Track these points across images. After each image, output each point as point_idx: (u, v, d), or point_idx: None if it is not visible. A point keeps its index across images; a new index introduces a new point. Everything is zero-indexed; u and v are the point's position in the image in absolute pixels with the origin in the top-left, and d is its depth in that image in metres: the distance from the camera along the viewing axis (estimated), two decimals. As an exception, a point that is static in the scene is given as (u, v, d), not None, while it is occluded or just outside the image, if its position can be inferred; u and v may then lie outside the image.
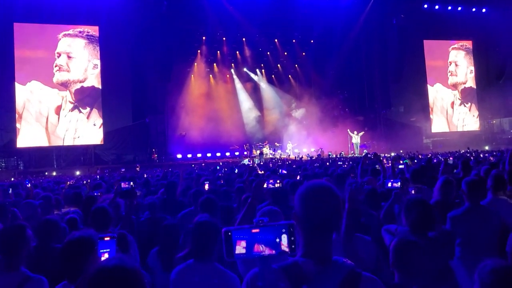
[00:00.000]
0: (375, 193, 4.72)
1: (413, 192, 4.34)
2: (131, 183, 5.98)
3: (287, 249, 1.55)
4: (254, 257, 1.55)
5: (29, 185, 8.77)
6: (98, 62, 24.97)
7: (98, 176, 14.22)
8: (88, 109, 24.78)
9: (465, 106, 32.23)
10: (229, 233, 1.56)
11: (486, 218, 3.87)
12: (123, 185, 5.83)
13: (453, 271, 3.02)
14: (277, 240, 1.55)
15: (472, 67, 32.64)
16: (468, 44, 32.51)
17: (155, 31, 24.32)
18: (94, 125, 24.84)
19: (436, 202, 4.32)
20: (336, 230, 2.99)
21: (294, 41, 29.23)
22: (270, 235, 1.55)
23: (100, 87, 24.96)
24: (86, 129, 24.60)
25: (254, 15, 24.77)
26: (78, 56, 24.66)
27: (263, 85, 31.25)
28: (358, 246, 3.04)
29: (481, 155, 14.46)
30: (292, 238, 1.56)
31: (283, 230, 1.56)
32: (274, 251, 1.55)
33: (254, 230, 1.56)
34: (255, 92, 31.00)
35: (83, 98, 24.70)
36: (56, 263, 2.44)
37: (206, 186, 6.43)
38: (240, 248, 1.55)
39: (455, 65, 32.10)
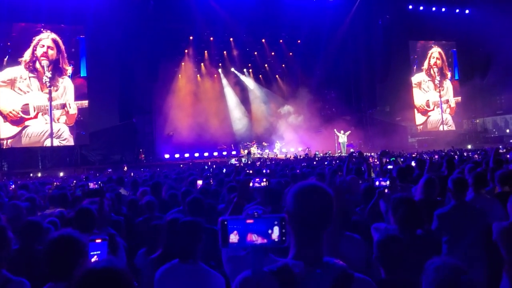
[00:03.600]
0: (370, 191, 4.74)
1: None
2: (100, 182, 5.91)
3: (277, 239, 1.60)
4: (247, 246, 1.61)
5: (13, 186, 8.62)
6: (78, 63, 24.28)
7: (84, 177, 14.06)
8: (70, 109, 24.01)
9: (449, 105, 32.63)
10: (225, 222, 1.61)
11: (472, 215, 3.93)
12: (91, 185, 5.77)
13: None
14: (269, 231, 1.60)
15: (456, 68, 33.08)
16: (452, 44, 32.95)
17: (141, 31, 24.07)
18: (83, 133, 24.35)
19: (419, 201, 4.38)
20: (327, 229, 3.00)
21: (281, 41, 29.26)
22: (263, 226, 1.60)
23: (80, 88, 24.25)
24: (68, 131, 23.88)
25: (242, 15, 24.80)
26: (58, 57, 23.68)
27: (251, 85, 31.25)
28: (348, 244, 3.05)
29: (465, 154, 14.68)
30: (283, 231, 1.60)
31: (275, 222, 1.61)
32: (266, 241, 1.60)
33: (248, 221, 1.61)
34: (242, 92, 30.97)
35: (65, 99, 23.83)
36: (40, 264, 2.41)
37: (200, 182, 6.40)
38: (234, 237, 1.61)
39: (437, 59, 32.44)
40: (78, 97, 24.18)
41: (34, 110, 23.20)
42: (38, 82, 23.35)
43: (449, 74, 32.83)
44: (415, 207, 3.24)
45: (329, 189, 1.74)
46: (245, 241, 1.60)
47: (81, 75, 24.49)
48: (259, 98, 31.11)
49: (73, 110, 24.00)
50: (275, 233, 1.60)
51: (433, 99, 32.23)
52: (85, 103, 24.30)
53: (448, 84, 32.77)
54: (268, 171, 9.12)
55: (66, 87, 23.96)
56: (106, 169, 20.61)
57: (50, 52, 23.65)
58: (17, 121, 22.83)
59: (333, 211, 1.72)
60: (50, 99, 23.50)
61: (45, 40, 23.63)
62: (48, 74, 23.49)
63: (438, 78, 32.34)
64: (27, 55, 23.14)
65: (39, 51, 23.45)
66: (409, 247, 2.74)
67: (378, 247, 2.64)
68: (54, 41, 23.78)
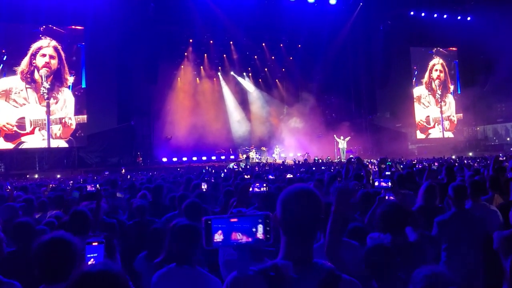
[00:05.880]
0: (368, 197, 4.71)
1: (391, 198, 4.33)
2: (97, 185, 5.91)
3: (262, 237, 1.65)
4: (232, 245, 1.64)
5: (9, 187, 8.59)
6: (78, 68, 23.77)
7: (81, 180, 14.03)
8: (70, 124, 23.40)
9: (448, 106, 32.58)
10: (209, 222, 1.63)
11: (472, 223, 3.95)
12: (89, 187, 5.76)
13: None
14: (253, 229, 1.65)
15: (457, 75, 33.12)
16: (453, 51, 33.00)
17: (141, 33, 24.13)
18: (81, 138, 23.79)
19: (420, 207, 4.38)
20: (322, 234, 2.97)
21: (281, 45, 29.35)
22: (247, 224, 1.65)
23: (78, 92, 23.73)
24: (67, 132, 23.46)
25: (242, 19, 24.83)
26: (59, 66, 22.89)
27: (250, 89, 31.31)
28: (346, 251, 3.01)
29: (465, 162, 14.66)
30: (268, 228, 1.65)
31: (259, 221, 1.65)
32: (251, 239, 1.65)
33: (232, 220, 1.64)
34: (242, 96, 31.04)
35: (65, 113, 23.18)
36: (32, 265, 2.40)
37: (204, 186, 6.42)
38: (218, 236, 1.64)
39: (440, 72, 32.48)
40: (79, 110, 23.47)
41: (31, 125, 22.09)
42: (36, 94, 22.24)
43: (451, 88, 32.73)
44: (398, 213, 3.24)
45: (318, 192, 1.75)
46: (230, 240, 1.63)
47: (83, 86, 23.75)
48: (259, 102, 31.15)
49: (73, 125, 23.20)
50: (260, 231, 1.63)
51: (433, 115, 32.01)
52: (85, 118, 23.62)
53: (450, 99, 32.61)
54: (273, 177, 9.04)
55: (66, 99, 23.19)
56: (104, 172, 20.55)
57: (52, 61, 22.72)
58: (11, 136, 21.64)
59: (321, 214, 1.74)
60: (48, 113, 22.52)
61: (46, 48, 22.78)
62: (46, 85, 22.41)
63: (439, 92, 32.18)
64: (24, 64, 22.07)
65: (39, 60, 22.39)
66: (398, 254, 2.72)
67: (365, 256, 2.66)
68: (55, 49, 23.01)
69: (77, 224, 3.70)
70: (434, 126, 31.96)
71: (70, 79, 23.48)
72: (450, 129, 32.43)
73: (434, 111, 32.07)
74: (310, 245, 1.73)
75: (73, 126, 23.47)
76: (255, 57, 30.01)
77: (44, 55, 22.63)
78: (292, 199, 1.72)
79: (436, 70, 32.24)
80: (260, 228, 1.63)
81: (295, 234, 1.70)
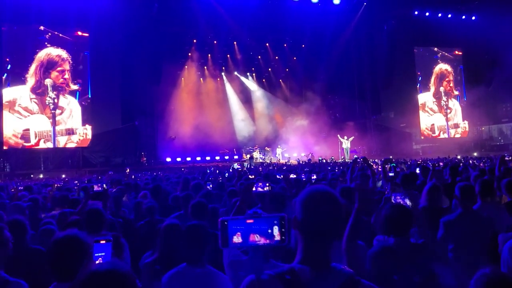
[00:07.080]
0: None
1: (398, 198, 4.31)
2: (104, 185, 5.92)
3: (278, 239, 1.67)
4: (250, 246, 1.68)
5: (15, 186, 8.63)
6: (85, 76, 23.56)
7: (86, 180, 14.04)
8: (74, 114, 23.17)
9: (454, 112, 32.44)
10: (225, 223, 1.67)
11: (479, 223, 3.92)
12: (95, 187, 5.77)
13: (437, 277, 3.00)
14: (269, 231, 1.67)
15: (462, 74, 32.95)
16: (458, 51, 32.83)
17: (145, 34, 24.20)
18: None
19: (423, 208, 4.34)
20: (338, 237, 2.95)
21: (285, 45, 29.34)
22: (263, 225, 1.67)
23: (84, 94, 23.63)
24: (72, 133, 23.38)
25: (245, 19, 24.88)
26: (65, 75, 22.59)
27: (254, 89, 31.29)
28: (353, 251, 3.00)
29: (470, 162, 14.59)
30: (283, 230, 1.66)
31: (275, 222, 1.67)
32: (268, 241, 1.67)
33: (248, 221, 1.67)
34: (245, 96, 31.02)
35: (71, 124, 22.97)
36: (44, 263, 2.41)
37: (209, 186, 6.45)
38: (237, 238, 1.67)
39: (444, 72, 32.31)
40: (85, 120, 23.28)
41: (35, 137, 21.62)
42: (41, 104, 21.77)
43: (455, 79, 32.49)
44: (402, 214, 3.18)
45: (339, 196, 1.70)
46: (248, 241, 1.66)
47: (89, 96, 23.45)
48: (262, 102, 31.14)
49: (79, 136, 22.94)
50: (275, 232, 1.66)
51: (438, 123, 31.66)
52: (90, 127, 23.48)
53: (456, 106, 32.32)
54: (281, 176, 9.00)
55: (72, 109, 22.85)
56: (108, 172, 20.57)
57: (58, 71, 22.33)
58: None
59: (343, 219, 1.70)
60: (54, 124, 22.09)
61: (52, 57, 22.44)
62: (52, 95, 21.91)
63: (444, 98, 31.82)
64: (30, 74, 21.63)
65: (45, 70, 21.95)
66: (398, 258, 2.68)
67: (371, 259, 2.61)
68: (62, 58, 22.72)
69: (91, 223, 3.72)
70: (439, 135, 31.59)
71: (76, 88, 23.22)
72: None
73: (439, 119, 31.77)
74: (329, 249, 1.68)
75: (80, 138, 23.30)
76: (259, 57, 30.04)
77: (50, 65, 22.27)
78: (315, 201, 1.67)
79: (442, 77, 31.93)
80: (276, 229, 1.64)
81: (315, 237, 1.65)
